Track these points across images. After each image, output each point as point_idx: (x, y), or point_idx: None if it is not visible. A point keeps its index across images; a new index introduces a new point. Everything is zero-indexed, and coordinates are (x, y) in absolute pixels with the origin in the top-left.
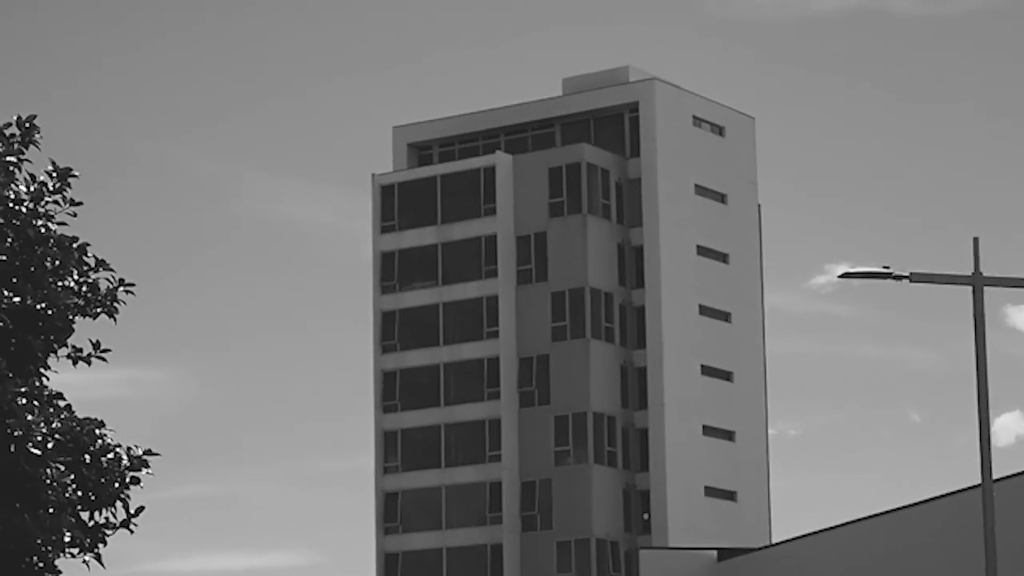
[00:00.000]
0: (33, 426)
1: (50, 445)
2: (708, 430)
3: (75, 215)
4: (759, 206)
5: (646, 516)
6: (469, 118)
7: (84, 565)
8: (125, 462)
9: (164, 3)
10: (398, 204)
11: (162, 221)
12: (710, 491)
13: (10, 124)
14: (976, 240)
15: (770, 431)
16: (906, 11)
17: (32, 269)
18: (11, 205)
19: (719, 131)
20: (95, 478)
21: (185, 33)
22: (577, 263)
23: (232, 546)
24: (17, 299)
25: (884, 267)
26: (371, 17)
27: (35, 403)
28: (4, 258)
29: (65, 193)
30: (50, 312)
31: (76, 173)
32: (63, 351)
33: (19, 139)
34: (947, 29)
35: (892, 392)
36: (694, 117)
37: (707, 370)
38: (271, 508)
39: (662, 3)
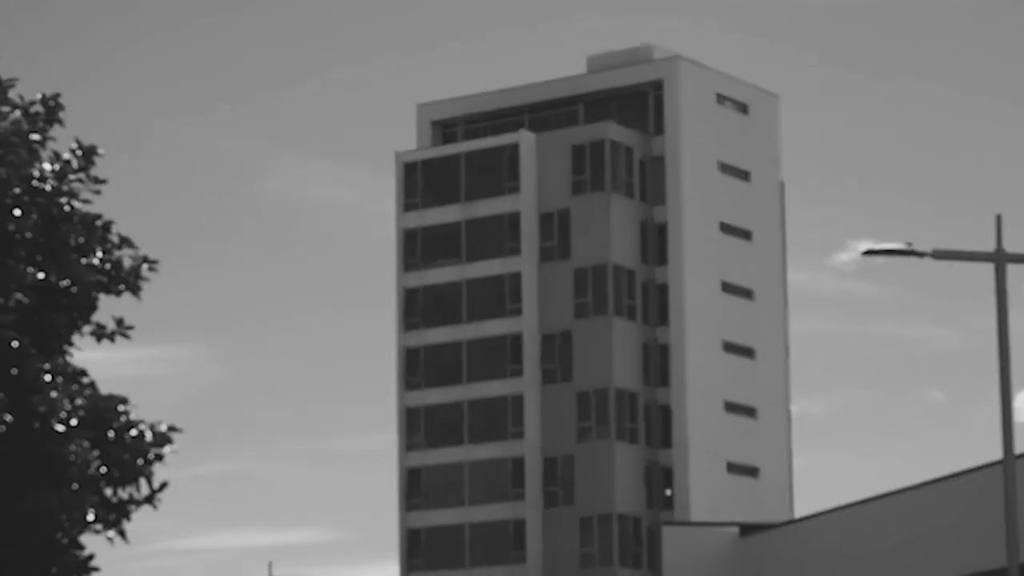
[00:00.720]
0: (57, 403)
1: (74, 422)
2: (730, 407)
3: (99, 193)
4: (782, 184)
5: (668, 492)
6: (493, 96)
7: (108, 541)
8: (149, 439)
9: None
10: (421, 182)
11: (186, 200)
12: (732, 467)
13: (35, 102)
14: (999, 217)
15: (792, 408)
16: None
17: (56, 247)
18: (35, 183)
19: (743, 109)
20: (119, 455)
21: (210, 13)
22: (600, 240)
23: (255, 523)
24: (41, 276)
25: (907, 244)
26: None
27: (59, 380)
28: (29, 235)
29: (89, 171)
30: (74, 289)
31: (101, 151)
32: (87, 328)
33: (44, 117)
34: (971, 10)
35: (914, 370)
36: (717, 95)
37: (729, 347)
38: (294, 485)
39: None
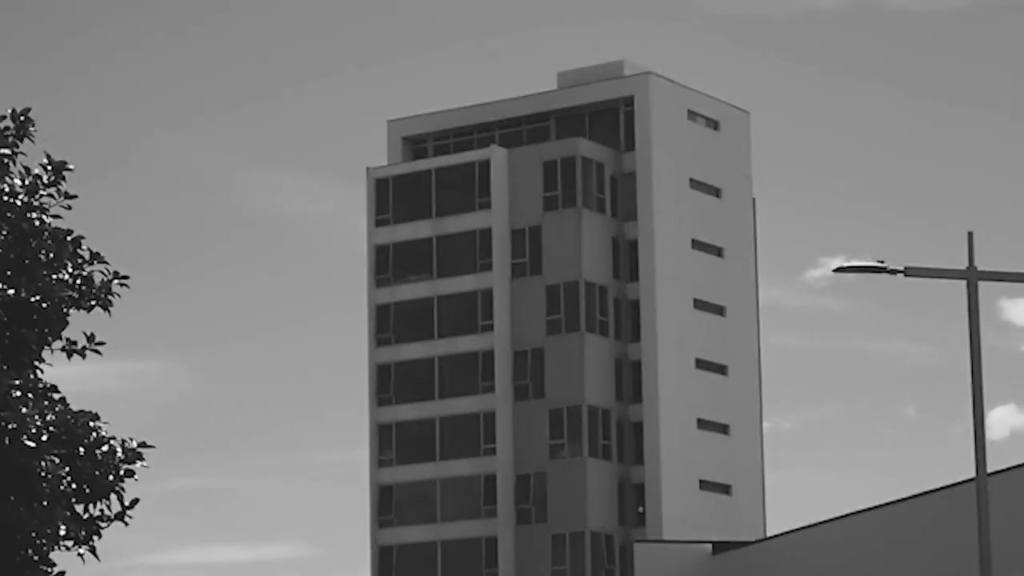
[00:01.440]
0: (27, 419)
1: (44, 438)
2: (703, 423)
3: (70, 208)
4: (754, 200)
5: (641, 509)
6: (464, 112)
7: (79, 558)
8: (120, 455)
9: None
10: (393, 197)
11: (157, 214)
12: (705, 484)
13: (4, 117)
14: (971, 235)
15: (765, 425)
16: (903, 6)
17: (26, 262)
18: (6, 198)
19: (714, 125)
20: (89, 471)
21: (181, 28)
22: (572, 257)
23: (227, 539)
24: (11, 292)
25: (879, 261)
26: (366, 12)
27: (29, 396)
28: None
29: (60, 186)
30: (44, 305)
31: (71, 167)
32: (57, 344)
33: (13, 132)
34: (943, 25)
35: (887, 386)
36: (689, 111)
37: (702, 364)
38: (266, 501)
39: None
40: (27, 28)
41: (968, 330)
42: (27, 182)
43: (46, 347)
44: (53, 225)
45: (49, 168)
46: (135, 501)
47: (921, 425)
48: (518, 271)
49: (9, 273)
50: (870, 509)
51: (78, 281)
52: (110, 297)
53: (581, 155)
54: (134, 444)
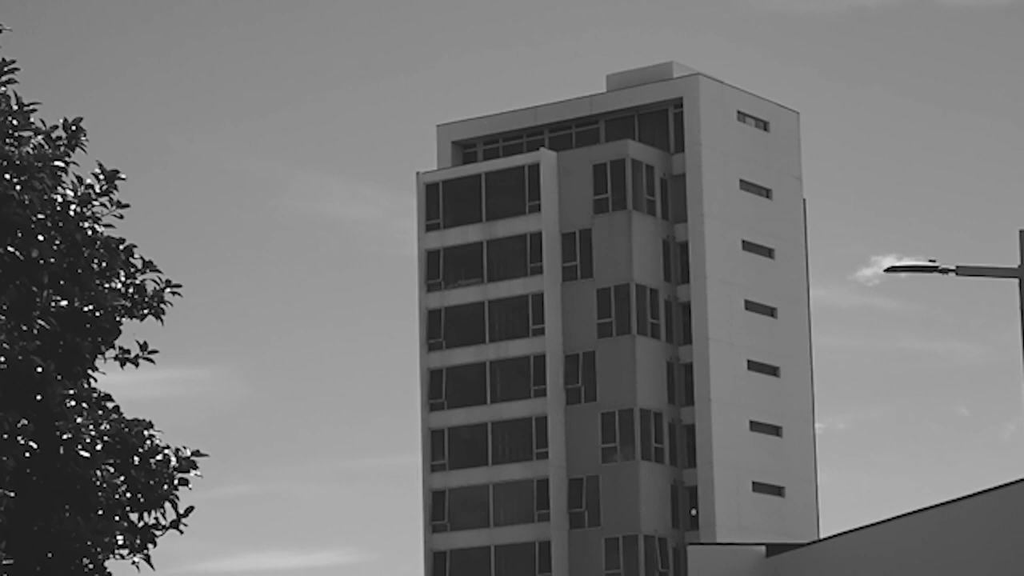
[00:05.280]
0: (82, 428)
1: (99, 447)
2: (755, 425)
3: (122, 217)
4: (804, 200)
5: (694, 512)
6: (513, 115)
7: (134, 566)
8: (174, 463)
9: (207, 2)
10: (443, 202)
11: (208, 221)
12: (757, 486)
13: (56, 127)
14: (1022, 233)
15: (817, 426)
16: (952, 3)
17: (79, 271)
18: (58, 208)
19: (763, 126)
20: (144, 480)
21: (229, 32)
22: (622, 259)
23: (280, 545)
24: (65, 302)
25: (930, 260)
26: (415, 15)
27: (84, 405)
28: (52, 261)
29: (112, 195)
30: (97, 314)
31: (123, 176)
32: (111, 353)
33: (65, 142)
34: (993, 21)
35: (939, 386)
36: (738, 112)
37: (753, 365)
38: (319, 507)
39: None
40: (71, 35)
41: (1020, 329)
42: (80, 192)
43: (99, 356)
44: (105, 234)
45: (101, 177)
46: (189, 509)
47: (973, 425)
48: (569, 274)
49: (62, 283)
50: (923, 510)
51: (131, 290)
52: (162, 306)
53: (631, 157)
54: (188, 452)
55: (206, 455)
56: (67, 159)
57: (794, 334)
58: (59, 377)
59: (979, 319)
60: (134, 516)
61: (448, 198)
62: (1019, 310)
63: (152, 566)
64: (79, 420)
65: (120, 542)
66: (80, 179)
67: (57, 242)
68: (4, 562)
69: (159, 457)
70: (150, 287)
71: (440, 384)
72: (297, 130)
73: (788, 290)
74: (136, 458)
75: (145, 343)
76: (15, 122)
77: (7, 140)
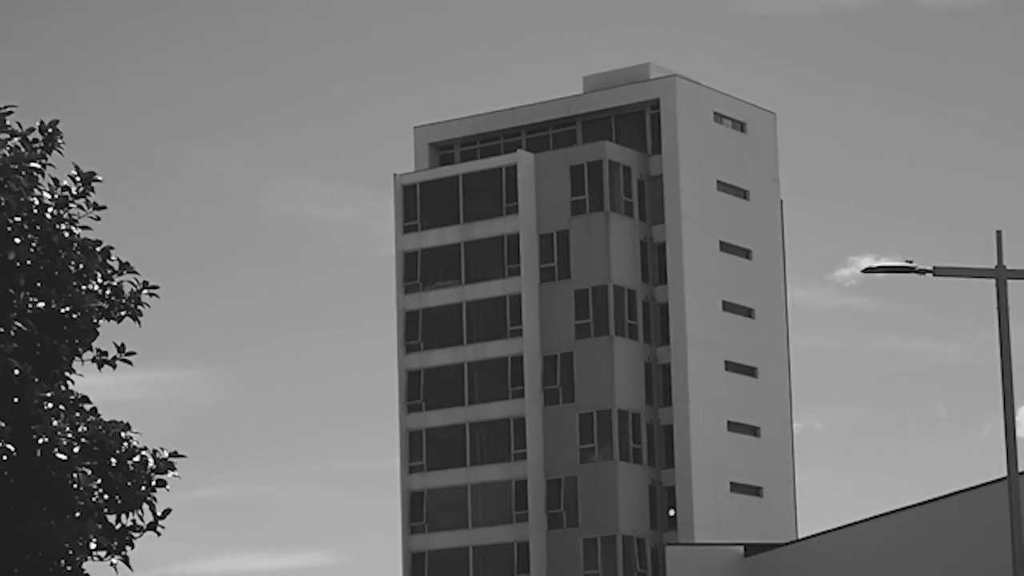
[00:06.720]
0: (59, 431)
1: (76, 449)
2: (733, 426)
3: (99, 219)
4: (781, 201)
5: (672, 512)
6: (490, 117)
7: (112, 568)
8: (151, 465)
9: (184, 5)
10: (420, 204)
11: (185, 223)
12: (736, 487)
13: (33, 129)
14: (999, 233)
15: (795, 426)
16: (928, 3)
17: (56, 273)
18: (35, 211)
19: (740, 127)
20: (121, 481)
21: (205, 35)
22: (600, 260)
23: (258, 547)
24: (41, 304)
25: (907, 261)
26: (391, 17)
27: (60, 407)
28: (29, 263)
29: (88, 197)
30: (74, 316)
31: (100, 178)
32: (88, 355)
33: (42, 144)
34: (969, 21)
35: (917, 385)
36: (715, 113)
37: (731, 366)
38: (297, 508)
39: (682, 0)
40: (49, 37)
41: (998, 329)
42: (56, 194)
43: (76, 358)
44: (82, 236)
45: (78, 179)
46: (167, 511)
47: (951, 425)
48: (546, 276)
49: (39, 285)
50: (901, 509)
51: (108, 292)
52: (140, 307)
53: (608, 159)
54: (165, 454)
55: (184, 456)
56: (44, 161)
57: (772, 335)
58: (36, 379)
59: (957, 319)
60: (112, 518)
61: (426, 200)
62: (996, 310)
63: (130, 567)
64: (56, 422)
65: (97, 544)
66: (57, 181)
67: (34, 244)
68: None
69: (136, 459)
70: (127, 288)
71: (418, 385)
72: (274, 132)
73: (766, 291)
74: (113, 460)
75: (123, 345)
76: None
77: None
